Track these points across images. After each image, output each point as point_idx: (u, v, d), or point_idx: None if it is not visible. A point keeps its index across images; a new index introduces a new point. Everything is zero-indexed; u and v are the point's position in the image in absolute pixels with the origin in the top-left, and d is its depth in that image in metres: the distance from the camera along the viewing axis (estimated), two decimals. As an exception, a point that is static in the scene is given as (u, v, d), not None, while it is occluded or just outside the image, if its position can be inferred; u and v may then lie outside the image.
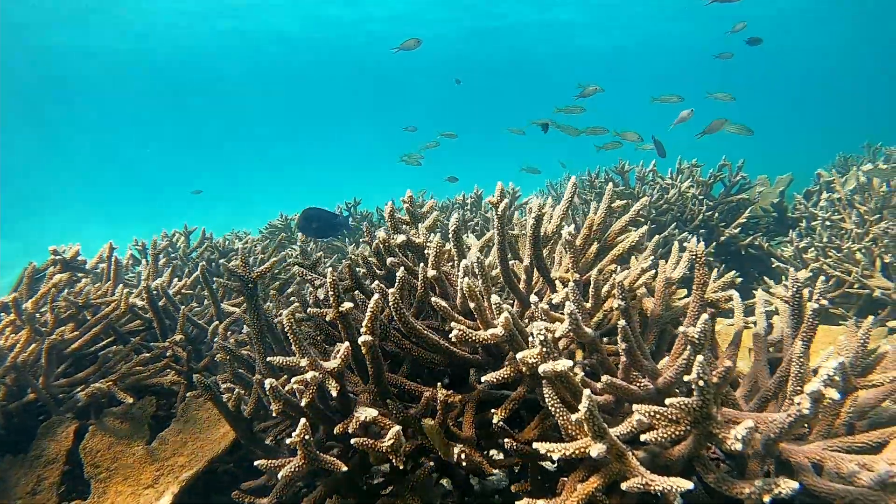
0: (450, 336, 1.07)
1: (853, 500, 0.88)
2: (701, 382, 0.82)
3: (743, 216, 3.45)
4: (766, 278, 3.26)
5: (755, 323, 1.40)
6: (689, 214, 3.40)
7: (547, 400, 0.98)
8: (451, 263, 1.59)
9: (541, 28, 24.04)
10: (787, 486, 0.78)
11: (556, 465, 1.24)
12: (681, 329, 0.95)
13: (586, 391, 0.83)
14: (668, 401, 0.84)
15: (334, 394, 1.04)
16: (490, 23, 23.04)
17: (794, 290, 1.22)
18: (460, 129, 7.99)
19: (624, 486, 0.86)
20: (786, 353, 1.21)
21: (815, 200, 3.66)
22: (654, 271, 1.45)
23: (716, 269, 1.98)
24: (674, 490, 0.81)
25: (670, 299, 1.48)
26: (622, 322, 1.05)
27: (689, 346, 1.00)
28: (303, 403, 1.03)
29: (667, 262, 1.48)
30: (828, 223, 3.19)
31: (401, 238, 1.37)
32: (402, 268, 1.31)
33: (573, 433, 0.96)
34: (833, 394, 0.79)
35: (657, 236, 2.29)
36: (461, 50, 27.19)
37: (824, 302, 1.13)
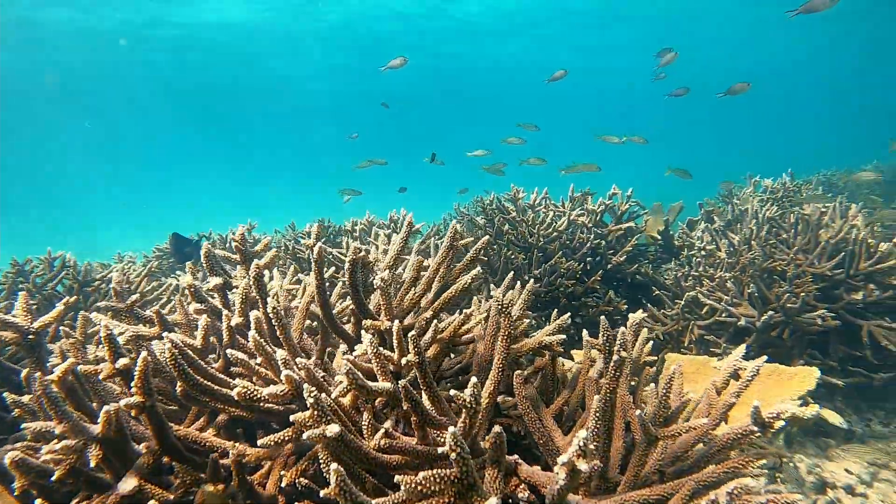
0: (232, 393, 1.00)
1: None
2: (453, 455, 0.78)
3: (630, 244, 3.53)
4: (649, 305, 3.34)
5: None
6: (577, 242, 3.45)
7: (325, 467, 0.92)
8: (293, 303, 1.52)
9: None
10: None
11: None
12: (454, 392, 0.91)
13: (333, 465, 0.78)
14: (421, 474, 0.80)
15: (93, 463, 0.95)
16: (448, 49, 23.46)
17: (605, 338, 1.21)
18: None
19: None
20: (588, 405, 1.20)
21: (699, 229, 3.80)
22: (484, 315, 1.42)
23: (556, 311, 1.97)
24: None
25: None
26: (407, 379, 1.01)
27: (465, 409, 0.96)
28: (54, 477, 0.93)
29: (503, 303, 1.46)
30: (703, 252, 3.31)
31: (215, 281, 1.29)
32: (204, 315, 1.23)
33: None
34: (583, 465, 0.76)
35: (530, 282, 2.29)
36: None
37: (625, 354, 1.11)
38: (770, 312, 2.78)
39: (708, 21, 21.41)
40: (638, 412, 1.03)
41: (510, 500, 1.06)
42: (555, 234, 3.42)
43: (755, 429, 1.02)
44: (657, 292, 3.34)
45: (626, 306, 3.39)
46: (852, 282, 3.04)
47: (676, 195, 5.10)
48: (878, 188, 6.68)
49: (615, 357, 1.09)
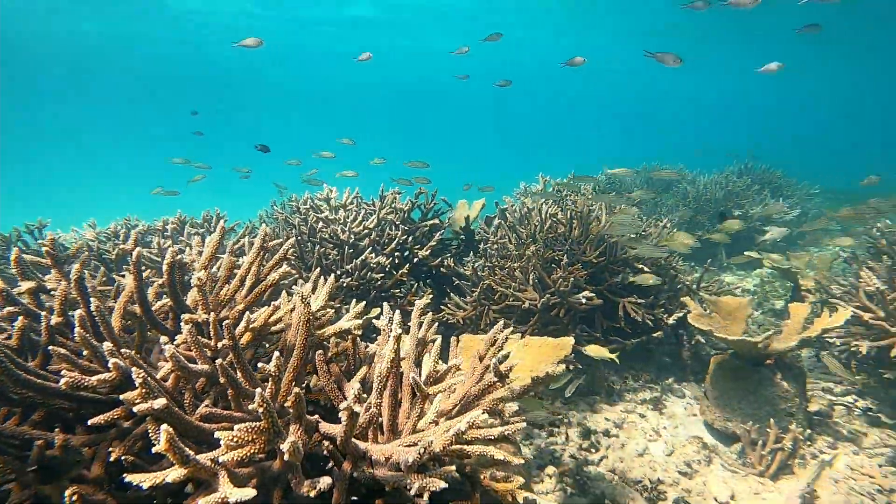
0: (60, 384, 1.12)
1: (395, 480, 1.14)
2: (261, 410, 1.00)
3: (434, 240, 3.91)
4: (452, 294, 3.74)
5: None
6: (386, 238, 3.75)
7: (154, 434, 1.08)
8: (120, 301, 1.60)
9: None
10: (324, 483, 1.00)
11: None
12: (260, 364, 1.13)
13: (163, 426, 0.96)
14: (236, 427, 1.01)
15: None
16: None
17: (388, 320, 1.49)
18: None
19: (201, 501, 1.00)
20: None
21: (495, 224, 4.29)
22: (290, 306, 1.62)
23: (357, 301, 2.23)
24: (238, 498, 0.97)
25: (313, 328, 1.68)
26: (224, 360, 1.20)
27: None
28: None
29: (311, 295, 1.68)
30: (496, 246, 3.78)
31: (27, 285, 1.36)
32: (20, 317, 1.30)
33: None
34: (358, 407, 1.02)
35: (331, 277, 2.51)
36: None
37: (398, 331, 1.39)
38: (548, 295, 3.30)
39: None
40: (412, 375, 1.32)
41: (316, 453, 1.30)
42: (365, 231, 3.68)
43: (496, 380, 1.36)
44: (458, 282, 3.75)
45: (432, 295, 3.76)
46: (613, 267, 3.68)
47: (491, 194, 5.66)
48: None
49: (394, 333, 1.37)
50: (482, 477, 1.43)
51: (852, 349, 3.17)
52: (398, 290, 3.63)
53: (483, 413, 1.19)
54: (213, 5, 19.57)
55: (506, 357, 1.38)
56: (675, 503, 2.56)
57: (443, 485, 1.03)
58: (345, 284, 3.37)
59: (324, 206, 3.89)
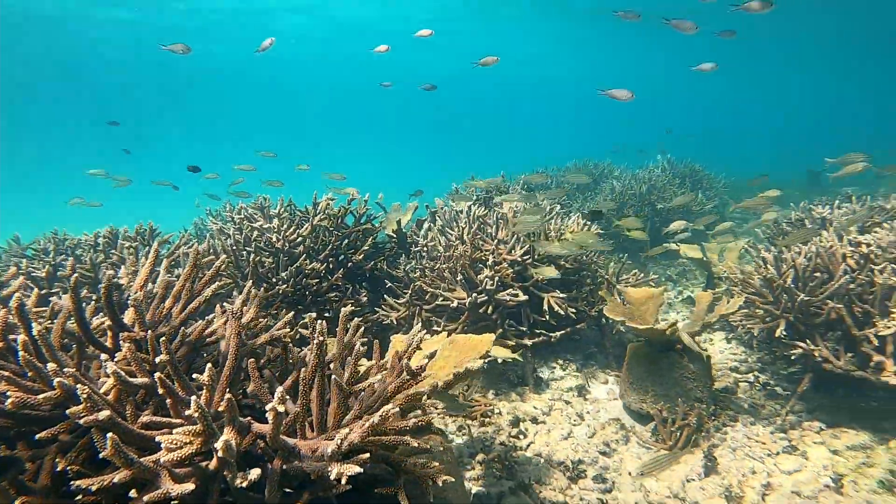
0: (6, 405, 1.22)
1: (319, 469, 1.29)
2: (196, 414, 1.14)
3: (366, 244, 4.06)
4: (385, 296, 3.90)
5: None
6: (320, 245, 3.87)
7: (100, 443, 1.20)
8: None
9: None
10: (254, 473, 1.15)
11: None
12: (195, 375, 1.27)
13: (109, 434, 1.08)
14: (175, 430, 1.15)
15: None
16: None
17: (311, 328, 1.65)
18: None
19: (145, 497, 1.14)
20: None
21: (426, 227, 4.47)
22: (225, 319, 1.75)
23: (292, 307, 2.36)
24: (178, 492, 1.11)
25: (244, 339, 1.81)
26: (162, 373, 1.33)
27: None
28: None
29: (237, 305, 1.81)
30: (426, 248, 3.96)
31: (-32, 312, 1.45)
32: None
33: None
34: (281, 407, 1.17)
35: (260, 289, 2.62)
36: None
37: (321, 338, 1.55)
38: (475, 294, 3.50)
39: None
40: (334, 376, 1.47)
41: (252, 452, 1.44)
42: (299, 238, 3.79)
43: (408, 377, 1.53)
44: (389, 285, 3.91)
45: (366, 298, 3.91)
46: (539, 264, 3.91)
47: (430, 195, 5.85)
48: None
49: (316, 340, 1.52)
50: (405, 464, 1.60)
51: (749, 330, 3.50)
52: (333, 295, 3.76)
53: (396, 407, 1.36)
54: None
55: (425, 355, 1.55)
56: (593, 479, 2.80)
57: (357, 469, 1.19)
58: (280, 291, 3.48)
59: (258, 215, 3.97)
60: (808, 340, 3.05)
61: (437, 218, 4.22)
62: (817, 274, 3.11)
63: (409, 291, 3.69)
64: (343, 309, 1.89)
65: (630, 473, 2.84)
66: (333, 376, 1.46)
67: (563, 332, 3.81)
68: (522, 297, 3.63)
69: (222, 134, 52.58)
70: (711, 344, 4.45)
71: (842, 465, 2.77)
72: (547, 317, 3.72)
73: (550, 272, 3.41)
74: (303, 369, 1.43)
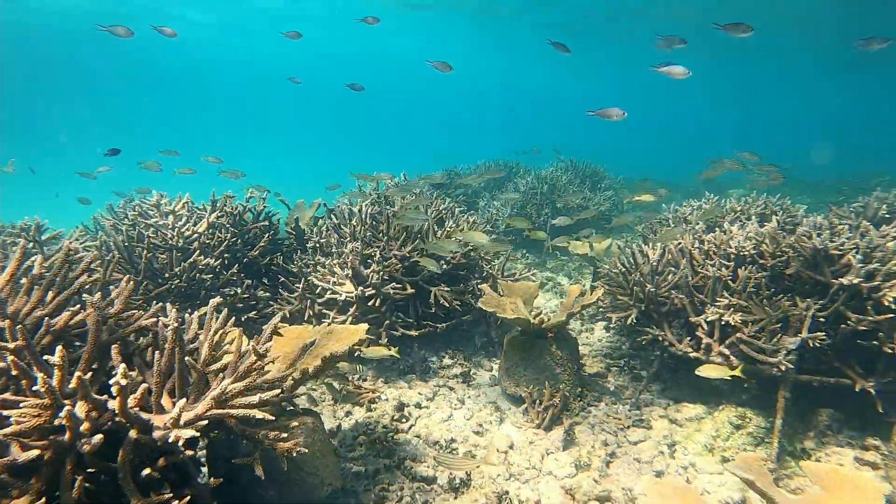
0: None
1: (164, 437, 1.47)
2: (43, 388, 1.30)
3: (262, 241, 4.19)
4: (280, 290, 4.04)
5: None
6: (216, 241, 3.97)
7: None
8: None
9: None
10: (96, 439, 1.32)
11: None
12: (46, 356, 1.42)
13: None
14: (23, 403, 1.30)
15: None
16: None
17: (172, 319, 1.81)
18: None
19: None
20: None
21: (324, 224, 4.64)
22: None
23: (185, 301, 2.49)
24: (24, 458, 1.27)
25: (105, 328, 1.95)
26: (18, 356, 1.47)
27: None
28: None
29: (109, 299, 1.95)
30: (318, 244, 4.13)
31: None
32: None
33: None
34: (123, 381, 1.34)
35: (130, 283, 2.73)
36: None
37: (176, 325, 1.72)
38: (361, 288, 3.71)
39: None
40: (188, 358, 1.65)
41: (115, 429, 1.59)
42: (195, 235, 3.89)
43: (255, 359, 1.73)
44: (283, 279, 4.07)
45: (263, 293, 4.05)
46: (427, 258, 4.15)
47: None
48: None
49: (172, 327, 1.69)
50: (258, 436, 1.80)
51: (614, 319, 3.88)
52: (229, 290, 3.87)
53: (240, 384, 1.56)
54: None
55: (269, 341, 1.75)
56: (464, 455, 3.07)
57: (189, 433, 1.38)
58: (173, 286, 3.57)
59: (153, 211, 4.03)
60: (654, 326, 3.43)
61: (333, 216, 4.40)
62: (671, 268, 3.50)
63: (301, 286, 3.85)
64: (211, 301, 2.05)
65: (497, 450, 3.12)
66: (187, 358, 1.64)
67: (448, 323, 4.07)
68: (409, 291, 3.87)
69: (127, 127, 50.66)
70: (592, 333, 4.83)
71: (678, 434, 3.16)
72: (434, 309, 3.97)
73: (432, 266, 3.65)
74: (161, 353, 1.59)
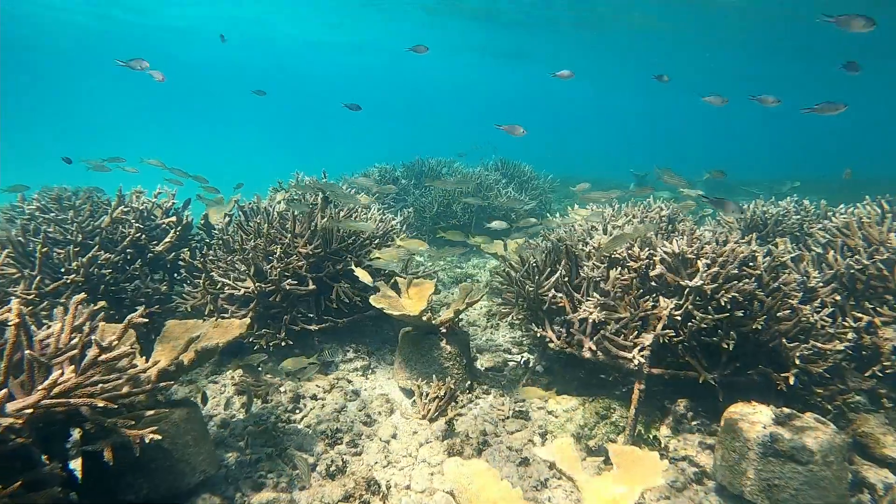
0: None
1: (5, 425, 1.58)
2: None
3: (169, 237, 4.25)
4: (185, 284, 4.12)
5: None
6: (119, 236, 4.02)
7: None
8: None
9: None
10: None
11: None
12: None
13: None
14: None
15: None
16: None
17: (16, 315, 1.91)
18: None
19: None
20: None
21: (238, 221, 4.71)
22: None
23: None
24: None
25: None
26: None
27: None
28: None
29: None
30: (222, 240, 4.22)
31: None
32: None
33: None
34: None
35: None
36: None
37: (17, 319, 1.82)
38: (261, 284, 3.82)
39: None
40: (29, 351, 1.76)
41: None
42: (97, 230, 3.92)
43: (98, 351, 1.85)
44: (185, 274, 4.14)
45: (165, 287, 4.12)
46: (334, 257, 4.29)
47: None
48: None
49: (13, 322, 1.79)
50: (107, 424, 1.92)
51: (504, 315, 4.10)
52: (131, 285, 3.93)
53: (75, 376, 1.67)
54: None
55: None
56: (347, 444, 3.23)
57: (10, 420, 1.50)
58: (69, 281, 3.61)
59: (55, 206, 4.05)
60: (535, 324, 3.66)
61: (242, 212, 4.49)
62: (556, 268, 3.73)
63: (202, 281, 3.93)
64: (75, 297, 2.15)
65: (380, 439, 3.29)
66: (28, 351, 1.74)
67: (350, 318, 4.21)
68: (310, 287, 4.00)
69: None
70: (497, 329, 5.05)
71: (552, 424, 3.39)
72: (335, 305, 4.11)
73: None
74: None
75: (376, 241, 4.53)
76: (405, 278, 4.09)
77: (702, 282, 2.97)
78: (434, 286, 4.07)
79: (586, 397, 3.56)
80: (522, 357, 4.39)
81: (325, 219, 4.25)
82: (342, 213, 4.60)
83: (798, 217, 4.57)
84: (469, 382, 3.81)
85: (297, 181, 5.94)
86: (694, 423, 3.26)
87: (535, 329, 3.64)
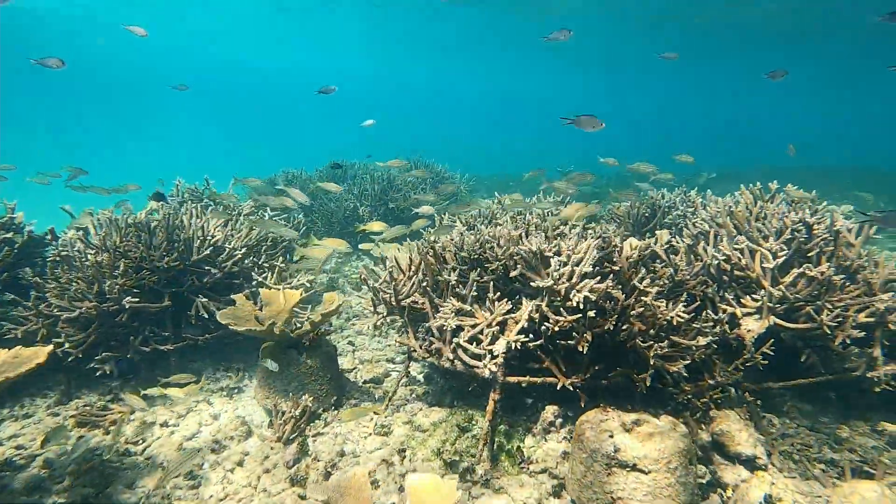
0: None
1: None
2: None
3: (3, 252, 3.86)
4: (20, 309, 3.74)
5: None
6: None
7: None
8: None
9: None
10: None
11: None
12: None
13: None
14: None
15: None
16: None
17: None
18: None
19: None
20: None
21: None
22: None
23: None
24: None
25: None
26: None
27: None
28: None
29: None
30: (58, 257, 3.86)
31: None
32: None
33: None
34: None
35: None
36: None
37: None
38: (96, 303, 3.48)
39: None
40: None
41: None
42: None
43: None
44: (12, 297, 3.77)
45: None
46: (196, 269, 3.97)
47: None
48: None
49: None
50: None
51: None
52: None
53: None
54: None
55: None
56: (185, 476, 2.93)
57: None
58: None
59: None
60: (398, 332, 3.43)
61: (92, 225, 4.13)
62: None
63: (31, 302, 3.56)
64: None
65: (219, 464, 3.01)
66: None
67: (215, 334, 3.91)
68: (164, 303, 3.68)
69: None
70: (386, 337, 4.82)
71: (414, 440, 3.16)
72: (193, 321, 3.80)
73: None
74: None
75: (252, 254, 4.24)
76: (270, 289, 3.81)
77: (552, 281, 2.80)
78: (300, 294, 3.80)
79: (455, 408, 3.35)
80: (404, 367, 4.17)
81: (193, 227, 3.94)
82: (215, 223, 4.30)
83: (682, 209, 4.49)
84: (335, 398, 3.56)
85: (178, 189, 5.60)
86: (563, 430, 3.09)
87: (397, 338, 3.42)
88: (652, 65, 31.57)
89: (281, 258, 4.48)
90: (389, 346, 4.63)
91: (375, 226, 5.37)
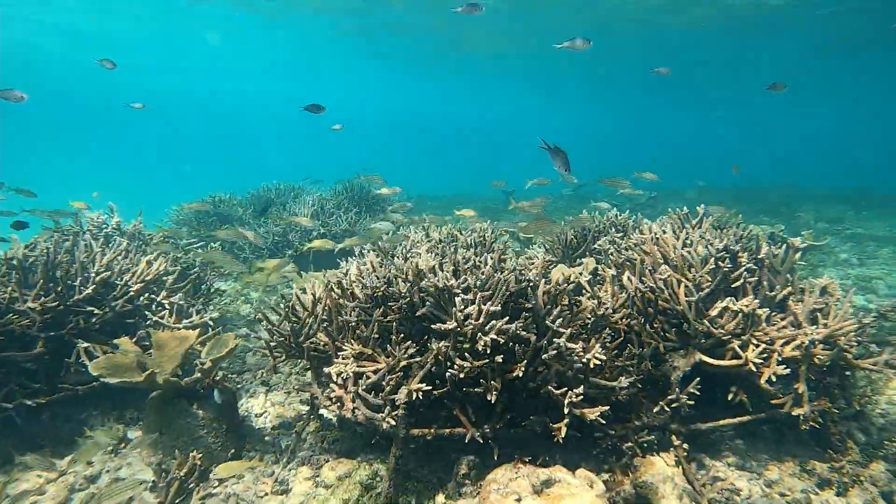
0: None
1: None
2: None
3: None
4: None
5: None
6: None
7: None
8: None
9: None
10: None
11: None
12: None
13: None
14: None
15: None
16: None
17: None
18: None
19: None
20: None
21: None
22: None
23: None
24: None
25: None
26: None
27: None
28: None
29: None
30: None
31: None
32: None
33: None
34: None
35: None
36: None
37: None
38: None
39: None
40: None
41: None
42: None
43: None
44: None
45: None
46: (77, 308, 3.57)
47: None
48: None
49: None
50: None
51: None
52: None
53: None
54: None
55: None
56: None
57: None
58: None
59: None
60: (300, 376, 3.10)
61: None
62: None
63: None
64: None
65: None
66: None
67: (101, 381, 3.50)
68: (37, 350, 3.27)
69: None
70: (304, 375, 4.46)
71: (315, 500, 2.83)
72: (73, 369, 3.39)
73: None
74: None
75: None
76: (162, 331, 3.44)
77: (455, 323, 2.52)
78: (196, 335, 3.43)
79: (364, 461, 3.04)
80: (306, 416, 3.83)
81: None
82: (111, 255, 3.92)
83: (612, 234, 4.30)
84: (233, 451, 3.21)
85: (77, 219, 5.16)
86: (478, 484, 2.81)
87: (296, 385, 3.10)
88: (597, 87, 32.30)
89: (181, 294, 4.08)
90: (307, 385, 4.28)
91: (318, 243, 5.08)
